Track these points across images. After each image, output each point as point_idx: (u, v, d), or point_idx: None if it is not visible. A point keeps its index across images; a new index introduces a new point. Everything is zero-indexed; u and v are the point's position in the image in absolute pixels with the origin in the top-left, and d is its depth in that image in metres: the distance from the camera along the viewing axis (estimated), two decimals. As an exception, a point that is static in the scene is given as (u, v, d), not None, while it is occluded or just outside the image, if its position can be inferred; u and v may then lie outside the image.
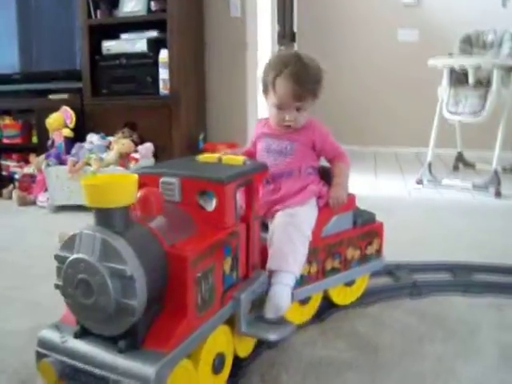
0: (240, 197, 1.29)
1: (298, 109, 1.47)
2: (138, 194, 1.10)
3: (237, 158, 1.32)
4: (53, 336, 1.06)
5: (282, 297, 1.30)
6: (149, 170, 1.32)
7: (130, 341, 0.98)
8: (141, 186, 1.14)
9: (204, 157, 1.38)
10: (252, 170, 1.28)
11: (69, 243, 1.00)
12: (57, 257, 1.02)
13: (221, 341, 1.19)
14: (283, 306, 1.30)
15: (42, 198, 3.11)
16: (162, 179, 1.20)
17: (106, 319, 0.97)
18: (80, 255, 0.97)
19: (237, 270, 1.22)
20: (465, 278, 1.83)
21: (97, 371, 0.97)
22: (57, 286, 1.02)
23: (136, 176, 1.02)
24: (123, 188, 0.98)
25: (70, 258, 0.98)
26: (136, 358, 0.96)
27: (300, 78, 1.45)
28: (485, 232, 2.41)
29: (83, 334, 1.04)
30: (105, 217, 0.99)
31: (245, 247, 1.25)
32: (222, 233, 1.15)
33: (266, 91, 1.53)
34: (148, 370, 0.93)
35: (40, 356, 1.05)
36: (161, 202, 1.12)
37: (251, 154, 1.58)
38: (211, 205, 1.18)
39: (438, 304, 1.64)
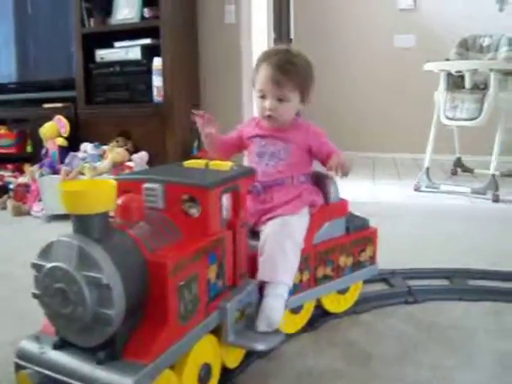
0: (227, 203, 1.27)
1: (279, 99, 1.44)
2: (119, 201, 1.08)
3: (224, 164, 1.29)
4: (32, 347, 1.03)
5: (274, 309, 1.27)
6: (131, 176, 1.30)
7: (109, 352, 0.95)
8: (124, 192, 1.12)
9: (191, 162, 1.35)
10: (238, 175, 1.25)
11: (46, 251, 0.97)
12: (34, 265, 0.99)
13: (207, 351, 1.16)
14: (276, 319, 1.26)
15: (36, 207, 3.08)
16: (145, 185, 1.17)
17: (83, 329, 0.94)
18: (57, 263, 0.94)
19: (223, 278, 1.18)
20: (461, 284, 1.80)
21: (75, 383, 0.94)
22: (34, 296, 0.99)
23: (114, 182, 0.99)
24: (101, 194, 0.95)
25: (47, 267, 0.95)
26: (115, 369, 0.93)
27: (281, 65, 1.43)
28: (483, 237, 2.37)
29: (62, 345, 1.00)
30: (82, 223, 0.96)
31: (231, 255, 1.21)
32: (206, 240, 1.12)
33: (253, 84, 1.52)
34: (127, 381, 0.90)
35: (19, 367, 1.02)
36: (142, 209, 1.09)
37: (225, 144, 1.57)
38: (198, 211, 1.15)
39: (434, 311, 1.61)
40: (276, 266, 1.29)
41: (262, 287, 1.30)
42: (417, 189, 3.50)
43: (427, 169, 3.52)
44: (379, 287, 1.78)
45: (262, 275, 1.29)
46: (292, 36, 5.20)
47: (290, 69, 1.44)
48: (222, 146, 1.57)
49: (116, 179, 1.07)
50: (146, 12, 3.18)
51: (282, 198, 1.42)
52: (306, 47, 4.89)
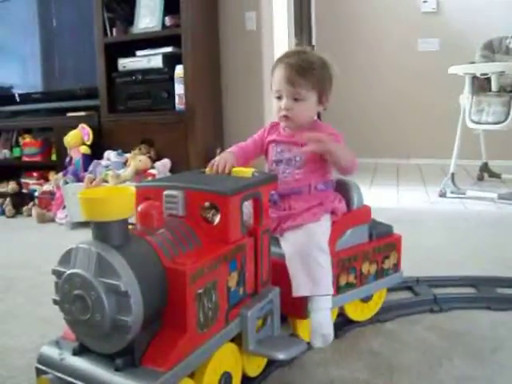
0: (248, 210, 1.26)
1: (295, 99, 1.43)
2: (139, 208, 1.07)
3: (245, 170, 1.28)
4: (52, 352, 1.03)
5: (324, 324, 1.28)
6: (152, 183, 1.29)
7: (128, 359, 0.94)
8: (145, 199, 1.12)
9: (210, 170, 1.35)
10: (260, 182, 1.23)
11: (66, 258, 0.97)
12: (54, 271, 0.99)
13: (227, 359, 1.14)
14: (330, 334, 1.29)
15: (60, 214, 3.11)
16: (165, 192, 1.16)
17: (102, 336, 0.94)
18: (76, 270, 0.94)
19: (244, 285, 1.17)
20: (488, 293, 1.75)
21: (93, 390, 0.94)
22: (55, 302, 1.00)
23: (133, 189, 0.98)
24: (119, 201, 0.95)
25: (66, 273, 0.95)
26: (133, 376, 0.92)
27: (296, 64, 1.42)
28: (510, 244, 2.32)
29: (82, 350, 1.00)
30: (101, 230, 0.96)
31: (253, 262, 1.20)
32: (226, 247, 1.10)
33: (271, 86, 1.51)
34: (144, 389, 0.89)
35: (39, 372, 1.02)
36: (161, 216, 1.08)
37: (240, 158, 1.50)
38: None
39: (460, 320, 1.57)
40: (315, 279, 1.28)
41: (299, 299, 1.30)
42: (442, 195, 3.45)
43: (453, 174, 3.47)
44: (404, 295, 1.75)
45: (301, 290, 1.28)
46: (314, 42, 5.18)
47: (305, 68, 1.42)
48: (241, 156, 1.54)
49: (136, 186, 1.06)
50: (168, 20, 3.19)
51: (301, 206, 1.39)
52: (328, 52, 4.93)
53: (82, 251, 0.94)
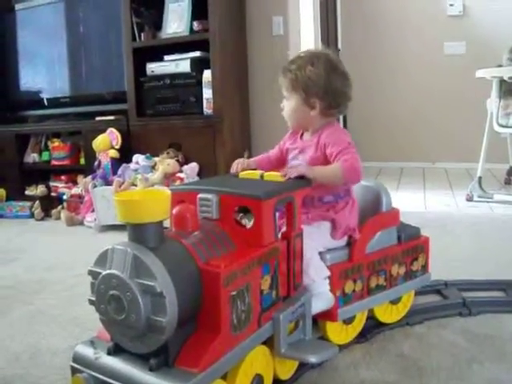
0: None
1: (286, 99, 1.46)
2: (174, 211, 1.09)
3: (278, 175, 1.29)
4: (87, 351, 1.05)
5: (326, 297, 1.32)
6: (186, 187, 1.31)
7: (162, 359, 0.96)
8: (178, 202, 1.14)
9: (245, 174, 1.36)
10: (293, 187, 1.24)
11: (102, 258, 0.99)
12: (90, 272, 1.01)
13: (259, 362, 1.15)
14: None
15: (89, 218, 3.15)
16: (199, 195, 1.18)
17: (137, 336, 0.96)
18: (112, 271, 0.96)
19: (276, 289, 1.18)
20: (518, 297, 1.74)
21: (127, 389, 0.95)
22: (91, 302, 1.02)
23: (169, 192, 1.00)
24: (155, 204, 0.97)
25: (103, 274, 0.97)
26: (166, 376, 0.94)
27: (287, 67, 1.43)
28: (539, 248, 2.30)
29: (116, 350, 1.02)
30: (137, 232, 0.98)
31: (286, 265, 1.21)
32: (259, 250, 1.11)
33: None
34: (178, 389, 0.91)
35: (74, 371, 1.04)
36: (196, 219, 1.10)
37: (262, 163, 1.53)
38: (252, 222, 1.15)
39: (490, 324, 1.56)
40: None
41: None
42: (469, 199, 3.42)
43: (480, 178, 3.44)
44: (432, 299, 1.74)
45: None
46: (340, 46, 5.18)
47: (284, 67, 1.44)
48: (265, 163, 1.54)
49: (171, 189, 1.08)
50: (195, 25, 3.22)
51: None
52: (354, 57, 4.95)
53: (118, 252, 0.96)
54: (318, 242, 1.35)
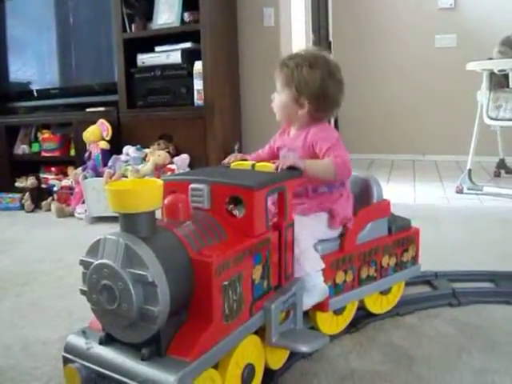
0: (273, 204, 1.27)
1: (279, 93, 1.47)
2: (166, 200, 1.09)
3: (270, 165, 1.29)
4: (79, 342, 1.05)
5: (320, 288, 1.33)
6: (178, 177, 1.32)
7: (154, 348, 0.96)
8: (170, 192, 1.14)
9: (237, 164, 1.36)
10: (285, 177, 1.25)
11: (93, 248, 0.99)
12: (82, 262, 1.01)
13: (250, 352, 1.16)
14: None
15: (79, 209, 3.14)
16: (191, 185, 1.18)
17: (129, 326, 0.96)
18: (103, 261, 0.95)
19: (268, 278, 1.18)
20: (507, 288, 1.76)
21: (120, 378, 0.96)
22: (82, 292, 1.01)
23: (161, 182, 1.00)
24: (147, 193, 0.96)
25: (94, 264, 0.97)
26: (158, 365, 0.94)
27: (285, 61, 1.44)
28: (528, 240, 2.32)
29: (108, 340, 1.02)
30: (129, 222, 0.98)
31: (277, 255, 1.21)
32: (251, 240, 1.11)
33: None
34: (170, 378, 0.91)
35: (66, 361, 1.04)
36: (188, 209, 1.10)
37: (256, 158, 1.53)
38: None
39: (479, 314, 1.57)
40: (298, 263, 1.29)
41: None
42: (459, 191, 3.44)
43: (470, 170, 3.46)
44: (422, 289, 1.76)
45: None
46: (331, 38, 5.17)
47: (286, 63, 1.44)
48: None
49: (163, 179, 1.08)
50: (186, 16, 3.21)
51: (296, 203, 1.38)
52: (344, 49, 4.96)
53: (110, 242, 0.96)
54: (314, 233, 1.35)
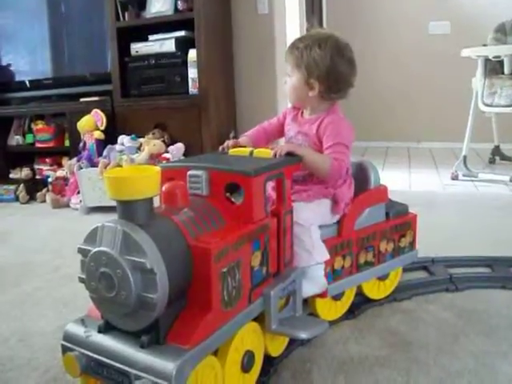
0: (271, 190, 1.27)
1: (289, 75, 1.46)
2: (164, 187, 1.09)
3: (268, 152, 1.29)
4: (77, 330, 1.05)
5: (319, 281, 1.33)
6: (176, 164, 1.31)
7: (153, 336, 0.96)
8: (168, 179, 1.13)
9: (235, 151, 1.36)
10: (283, 163, 1.24)
11: (91, 236, 0.99)
12: (80, 250, 1.00)
13: (250, 338, 1.16)
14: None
15: (74, 200, 3.13)
16: (189, 172, 1.18)
17: (127, 313, 0.95)
18: (102, 248, 0.95)
19: (267, 265, 1.18)
20: (503, 273, 1.76)
21: (119, 366, 0.95)
22: (81, 280, 1.01)
23: (159, 168, 0.99)
24: (145, 180, 0.95)
25: (93, 251, 0.96)
26: (157, 353, 0.94)
27: (295, 44, 1.44)
28: (523, 225, 2.32)
29: (107, 328, 1.02)
30: (127, 209, 0.97)
31: (276, 242, 1.21)
32: (249, 227, 1.11)
33: None
34: (169, 365, 0.90)
35: (65, 349, 1.04)
36: (186, 195, 1.10)
37: (258, 138, 1.53)
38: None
39: (476, 299, 1.58)
40: (303, 251, 1.30)
41: None
42: (454, 177, 3.45)
43: (465, 157, 3.47)
44: (419, 275, 1.76)
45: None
46: (325, 25, 5.15)
47: (293, 43, 1.44)
48: (261, 137, 1.54)
49: (161, 166, 1.07)
50: (180, 4, 3.18)
51: (299, 188, 1.40)
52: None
53: (107, 230, 0.96)
54: (317, 219, 1.35)
